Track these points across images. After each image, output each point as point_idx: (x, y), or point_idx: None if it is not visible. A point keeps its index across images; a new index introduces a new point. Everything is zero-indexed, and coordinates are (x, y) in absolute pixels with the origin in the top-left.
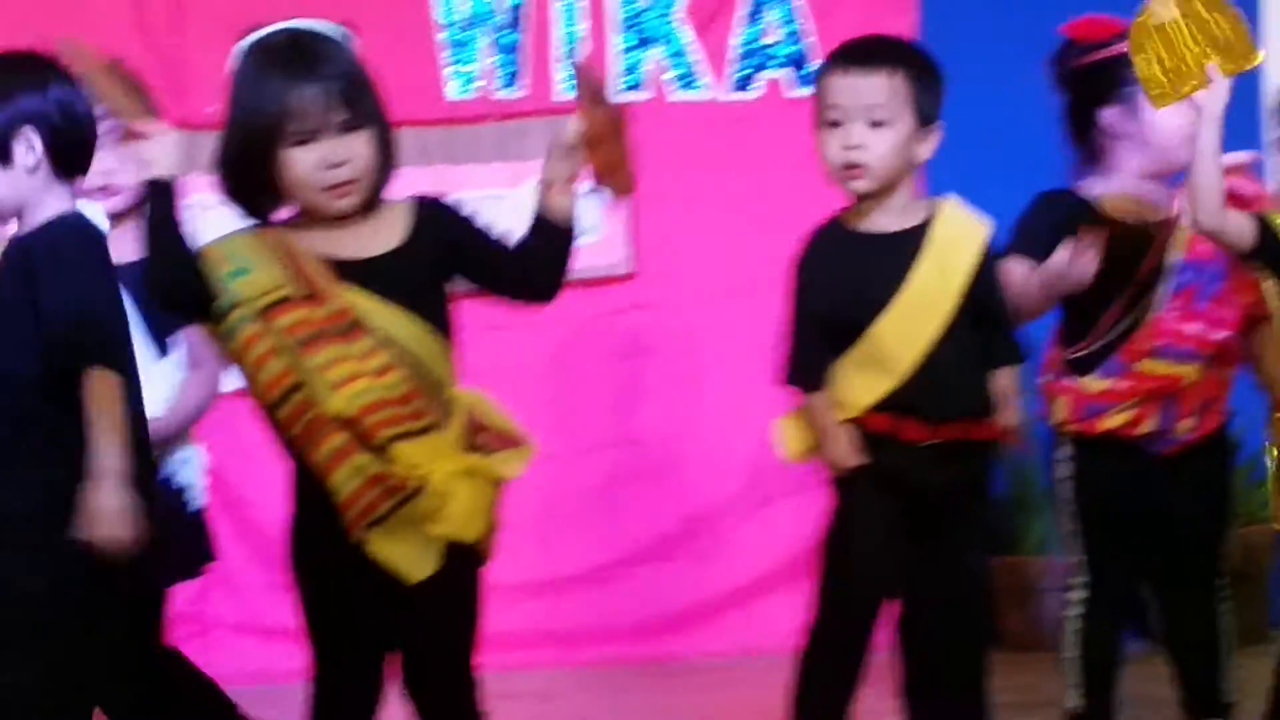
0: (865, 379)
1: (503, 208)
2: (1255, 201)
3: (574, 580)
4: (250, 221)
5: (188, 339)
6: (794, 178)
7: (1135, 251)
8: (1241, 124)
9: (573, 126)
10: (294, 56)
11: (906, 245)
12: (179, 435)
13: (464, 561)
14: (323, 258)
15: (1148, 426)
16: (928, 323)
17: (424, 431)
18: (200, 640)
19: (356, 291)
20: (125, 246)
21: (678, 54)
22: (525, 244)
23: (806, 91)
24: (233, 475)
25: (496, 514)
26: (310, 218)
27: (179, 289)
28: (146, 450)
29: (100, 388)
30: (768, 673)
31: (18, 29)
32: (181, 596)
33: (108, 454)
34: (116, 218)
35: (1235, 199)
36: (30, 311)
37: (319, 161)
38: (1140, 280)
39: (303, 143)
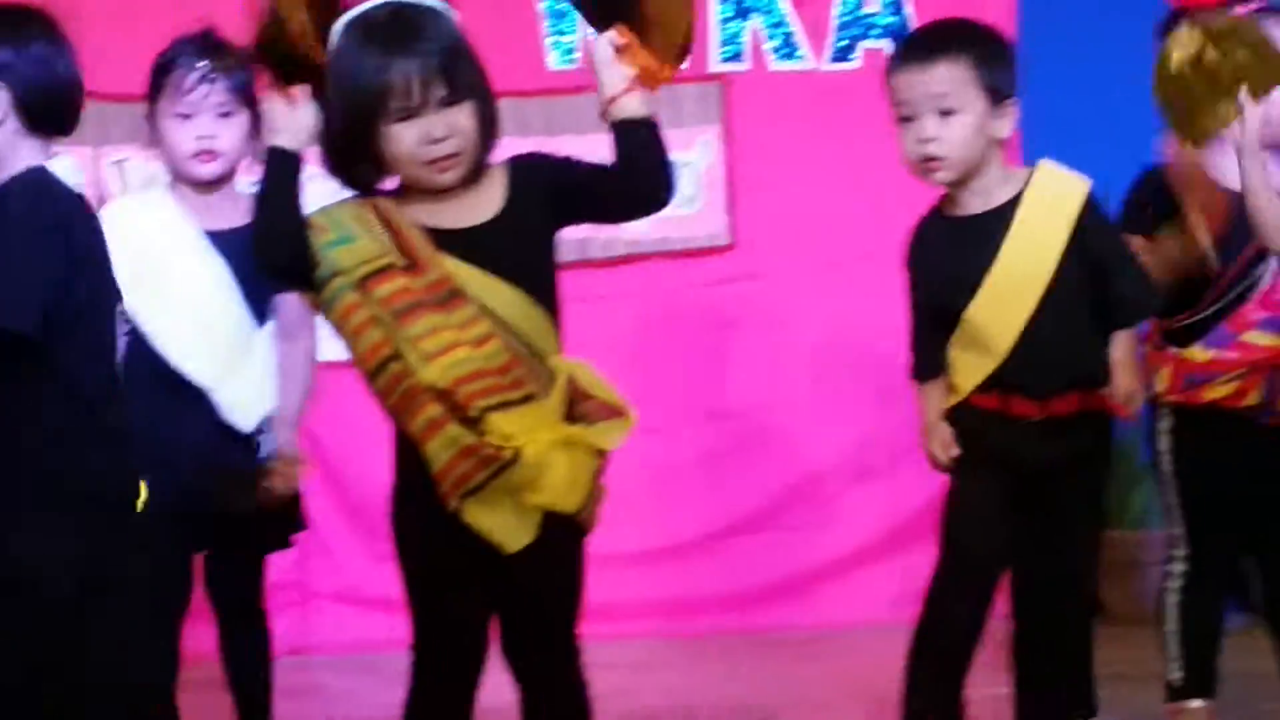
0: (969, 361)
1: None
2: None
3: (671, 551)
4: (353, 193)
5: (281, 309)
6: (893, 149)
7: (1243, 224)
8: None
9: (604, 39)
10: (395, 31)
11: (998, 224)
12: (301, 412)
13: (565, 532)
14: (423, 228)
15: (1253, 398)
16: (1022, 299)
17: (523, 401)
18: (299, 610)
19: (456, 261)
20: (222, 213)
21: (777, 24)
22: (620, 156)
23: None
24: (333, 445)
25: (598, 485)
26: (412, 189)
27: (286, 257)
28: (104, 419)
29: None
30: (867, 644)
31: None
32: (281, 566)
33: None
34: (213, 183)
35: None
36: None
37: (421, 137)
38: (1251, 253)
39: (405, 118)
